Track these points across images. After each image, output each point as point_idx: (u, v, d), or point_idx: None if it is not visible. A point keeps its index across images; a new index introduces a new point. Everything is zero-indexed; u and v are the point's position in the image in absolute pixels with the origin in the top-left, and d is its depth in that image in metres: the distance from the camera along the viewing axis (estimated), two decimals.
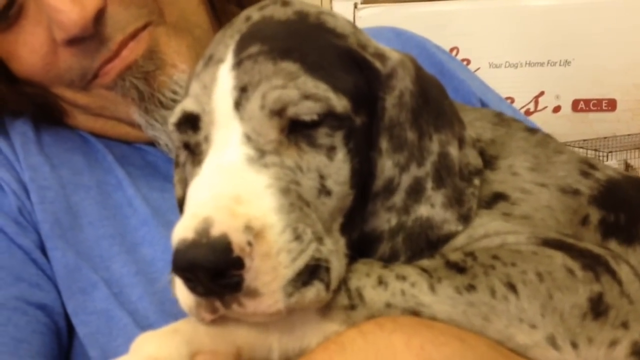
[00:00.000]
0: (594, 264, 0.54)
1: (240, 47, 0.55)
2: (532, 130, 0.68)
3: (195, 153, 0.56)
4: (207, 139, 0.54)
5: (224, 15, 0.86)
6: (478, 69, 1.61)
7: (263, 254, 0.48)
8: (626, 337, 0.51)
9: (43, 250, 0.71)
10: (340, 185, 0.55)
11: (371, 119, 0.57)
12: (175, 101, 0.77)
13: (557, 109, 1.76)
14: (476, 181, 0.60)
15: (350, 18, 0.93)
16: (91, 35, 0.74)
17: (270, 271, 0.48)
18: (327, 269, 0.51)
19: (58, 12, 0.72)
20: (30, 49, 0.76)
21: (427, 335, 0.50)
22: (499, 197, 0.60)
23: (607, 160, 1.56)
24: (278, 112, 0.53)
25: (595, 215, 0.61)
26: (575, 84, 1.76)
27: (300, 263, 0.49)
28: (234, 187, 0.50)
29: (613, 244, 0.60)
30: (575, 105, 1.76)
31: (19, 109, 0.80)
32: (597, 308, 0.52)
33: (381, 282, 0.54)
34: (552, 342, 0.51)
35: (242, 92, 0.53)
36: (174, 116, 0.56)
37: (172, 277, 0.66)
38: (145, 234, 0.75)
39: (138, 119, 0.78)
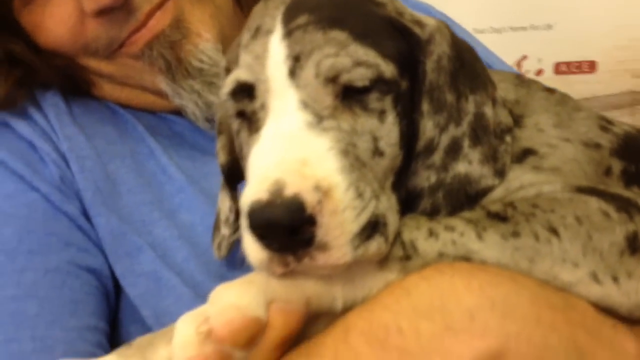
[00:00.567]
0: (626, 206, 0.58)
1: (288, 18, 0.58)
2: (550, 90, 0.73)
3: (251, 121, 0.59)
4: (263, 106, 0.58)
5: None
6: None
7: (331, 211, 0.52)
8: None
9: (87, 217, 0.74)
10: (391, 146, 0.59)
11: (413, 83, 0.61)
12: (201, 70, 0.79)
13: (539, 72, 1.81)
14: (508, 138, 0.64)
15: None
16: (120, 5, 0.76)
17: (338, 226, 0.52)
18: (385, 224, 0.55)
19: None
20: (58, 20, 0.78)
21: (484, 277, 0.54)
22: (528, 152, 0.64)
23: None
24: (332, 79, 0.56)
25: (617, 166, 0.65)
26: (557, 47, 1.80)
27: (364, 219, 0.53)
28: (299, 151, 0.53)
29: (636, 192, 0.65)
30: (557, 68, 1.80)
31: (48, 80, 0.82)
32: (634, 245, 0.56)
33: (432, 233, 0.58)
34: (595, 277, 0.56)
35: (296, 61, 0.56)
36: (226, 86, 0.59)
37: (221, 238, 0.71)
38: (182, 201, 0.78)
39: (165, 87, 0.81)
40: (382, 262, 0.57)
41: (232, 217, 0.70)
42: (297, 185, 0.51)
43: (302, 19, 0.57)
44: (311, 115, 0.55)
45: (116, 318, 0.73)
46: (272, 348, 0.53)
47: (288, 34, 0.57)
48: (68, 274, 0.69)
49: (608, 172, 0.65)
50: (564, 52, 1.79)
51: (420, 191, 0.61)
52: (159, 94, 0.82)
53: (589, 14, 1.81)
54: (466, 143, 0.62)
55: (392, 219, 0.56)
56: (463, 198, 0.61)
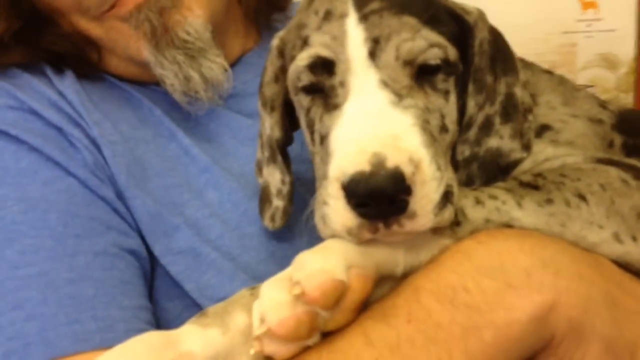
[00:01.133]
0: None
1: (360, 4, 0.63)
2: (549, 72, 0.80)
3: (328, 96, 0.63)
4: (342, 84, 0.62)
5: None
6: None
7: (421, 182, 0.57)
8: None
9: (122, 200, 0.75)
10: (453, 123, 0.65)
11: (463, 65, 0.67)
12: (186, 42, 0.81)
13: None
14: (530, 116, 0.71)
15: None
16: None
17: (425, 196, 0.57)
18: (452, 194, 0.61)
19: None
20: None
21: (532, 240, 0.61)
22: (545, 128, 0.71)
23: None
24: (410, 62, 0.61)
25: (618, 139, 0.74)
26: None
27: (442, 189, 0.59)
28: (390, 127, 0.58)
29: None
30: None
31: (62, 51, 0.82)
32: None
33: (478, 201, 0.64)
34: (617, 238, 0.63)
35: (375, 43, 0.61)
36: (304, 60, 0.63)
37: (274, 210, 0.73)
38: (207, 180, 0.80)
39: (147, 55, 0.81)
40: (436, 229, 0.62)
41: (285, 189, 0.74)
42: (396, 158, 0.56)
43: (374, 5, 0.62)
44: (392, 94, 0.60)
45: (151, 297, 0.74)
46: (351, 309, 0.58)
47: (364, 17, 0.62)
48: (114, 256, 0.70)
49: (611, 144, 0.74)
50: None
51: (455, 163, 0.67)
52: (143, 65, 0.82)
53: (507, 10, 1.93)
54: (497, 120, 0.68)
55: (456, 189, 0.62)
56: (496, 170, 0.68)
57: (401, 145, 0.57)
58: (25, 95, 0.77)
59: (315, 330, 0.57)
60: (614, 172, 0.66)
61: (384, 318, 0.58)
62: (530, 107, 0.71)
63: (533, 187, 0.65)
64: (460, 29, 0.67)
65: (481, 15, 0.68)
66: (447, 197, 0.59)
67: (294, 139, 0.78)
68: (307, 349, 0.57)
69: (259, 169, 0.78)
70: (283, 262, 0.61)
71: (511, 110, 0.69)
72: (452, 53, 0.64)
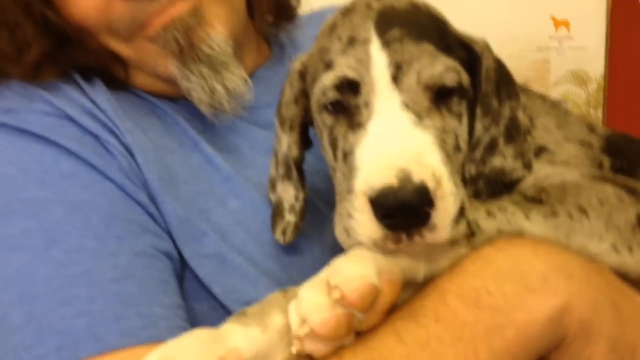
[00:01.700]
0: (634, 191, 0.74)
1: (382, 31, 0.68)
2: (542, 96, 0.87)
3: (352, 115, 0.68)
4: (367, 104, 0.67)
5: None
6: None
7: (441, 197, 0.63)
8: None
9: (155, 205, 0.79)
10: (465, 143, 0.71)
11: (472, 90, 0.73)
12: (210, 57, 0.86)
13: None
14: (529, 138, 0.77)
15: None
16: None
17: (445, 210, 0.63)
18: (465, 209, 0.66)
19: None
20: None
21: (544, 248, 0.67)
22: (542, 149, 0.78)
23: None
24: (429, 86, 0.67)
25: (606, 161, 0.81)
26: None
27: (458, 204, 0.64)
28: (413, 145, 0.64)
29: None
30: None
31: (94, 64, 0.86)
32: None
33: (489, 214, 0.70)
34: (615, 248, 0.70)
35: (398, 67, 0.67)
36: (330, 79, 0.68)
37: (286, 225, 0.79)
38: (229, 189, 0.85)
39: (175, 70, 0.86)
40: (453, 240, 0.68)
41: (298, 205, 0.80)
42: (421, 173, 0.61)
43: (395, 32, 0.68)
44: (413, 115, 0.66)
45: None
46: (383, 310, 0.63)
47: (386, 44, 0.67)
48: (152, 257, 0.75)
49: (600, 166, 0.81)
50: None
51: (462, 180, 0.73)
52: (169, 81, 0.87)
53: (484, 26, 2.01)
54: (501, 141, 0.75)
55: (467, 204, 0.68)
56: (500, 186, 0.74)
57: (424, 162, 0.63)
58: (61, 102, 0.80)
59: (352, 330, 0.62)
60: (609, 189, 0.73)
61: (413, 318, 0.64)
62: (529, 129, 0.77)
63: (538, 201, 0.71)
64: (469, 57, 0.73)
65: (487, 45, 0.75)
66: (461, 211, 0.65)
67: (306, 158, 0.83)
68: (342, 348, 0.63)
69: (272, 186, 0.83)
70: (302, 269, 0.67)
71: (514, 132, 0.75)
72: (465, 78, 0.70)
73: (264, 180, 0.86)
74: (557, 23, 1.95)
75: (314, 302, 0.61)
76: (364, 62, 0.67)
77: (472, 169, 0.74)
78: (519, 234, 0.69)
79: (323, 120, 0.72)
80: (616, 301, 0.67)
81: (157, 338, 0.65)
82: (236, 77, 0.87)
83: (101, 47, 0.86)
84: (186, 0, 0.84)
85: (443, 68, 0.68)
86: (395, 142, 0.64)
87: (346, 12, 0.73)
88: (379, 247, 0.64)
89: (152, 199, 0.79)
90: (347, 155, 0.68)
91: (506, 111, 0.75)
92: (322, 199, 0.86)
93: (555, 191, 0.72)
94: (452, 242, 0.67)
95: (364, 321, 0.63)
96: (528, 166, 0.76)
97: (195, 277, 0.79)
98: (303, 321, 0.61)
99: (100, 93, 0.84)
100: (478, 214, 0.70)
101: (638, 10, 1.95)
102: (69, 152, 0.77)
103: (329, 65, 0.70)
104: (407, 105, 0.66)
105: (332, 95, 0.69)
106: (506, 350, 0.61)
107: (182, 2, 0.84)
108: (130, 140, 0.80)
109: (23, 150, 0.77)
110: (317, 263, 0.67)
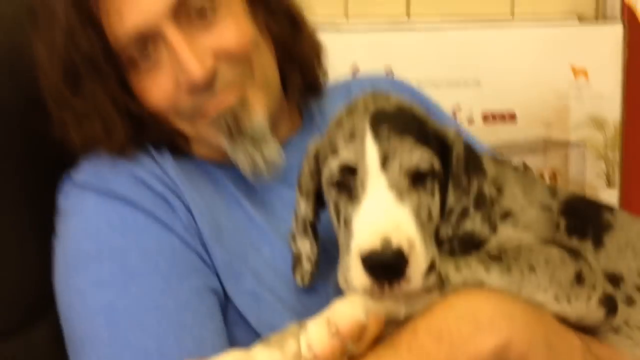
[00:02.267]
0: (574, 253, 0.93)
1: (375, 128, 0.88)
2: (516, 168, 1.08)
3: (351, 190, 0.88)
4: (362, 184, 0.87)
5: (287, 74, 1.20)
6: None
7: (414, 256, 0.83)
8: (595, 294, 0.92)
9: (205, 251, 1.03)
10: (437, 214, 0.91)
11: (444, 170, 0.93)
12: (252, 134, 1.08)
13: (471, 121, 2.07)
14: (496, 206, 0.98)
15: None
16: (206, 87, 1.05)
17: (417, 266, 0.83)
18: (434, 264, 0.82)
19: (187, 71, 1.02)
20: (162, 88, 1.05)
21: (495, 296, 0.86)
22: (508, 214, 0.97)
23: None
24: (409, 171, 0.87)
25: (562, 222, 1.00)
26: (484, 100, 2.08)
27: (428, 261, 0.84)
28: (394, 217, 0.84)
29: (574, 241, 1.00)
30: (485, 117, 2.06)
31: (154, 138, 1.09)
32: (579, 278, 0.86)
33: (457, 268, 0.90)
34: (556, 299, 0.86)
35: (385, 157, 0.86)
36: (336, 164, 0.88)
37: (304, 272, 1.02)
38: (264, 239, 1.08)
39: (225, 145, 1.09)
40: (426, 288, 0.89)
41: (313, 257, 1.02)
42: (399, 240, 0.81)
43: (384, 129, 0.87)
44: (396, 193, 0.86)
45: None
46: (368, 342, 0.84)
47: (377, 138, 0.87)
48: (204, 292, 0.98)
49: (557, 226, 1.01)
50: (489, 104, 2.08)
51: (441, 240, 0.94)
52: (220, 152, 1.11)
53: (509, 74, 2.17)
54: (471, 209, 0.95)
55: (437, 261, 0.89)
56: (470, 245, 0.94)
57: (402, 231, 0.80)
58: (139, 170, 1.05)
59: (345, 356, 0.84)
60: (555, 251, 0.93)
61: (392, 348, 0.85)
62: (494, 198, 0.97)
63: (498, 258, 0.91)
64: (441, 145, 0.90)
65: (457, 134, 0.94)
66: (432, 266, 0.82)
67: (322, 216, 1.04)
68: None
69: (293, 238, 1.00)
70: (318, 305, 0.87)
71: (481, 202, 0.94)
72: (437, 163, 0.86)
73: None
74: (576, 72, 2.12)
75: (317, 334, 0.83)
76: (360, 152, 0.87)
77: (448, 231, 0.94)
78: (480, 285, 0.89)
79: (330, 194, 0.93)
80: (550, 340, 0.87)
81: (204, 355, 0.89)
82: (272, 148, 1.10)
83: (169, 126, 1.11)
84: (235, 91, 1.08)
85: (419, 157, 0.85)
86: (381, 215, 0.84)
87: (349, 112, 0.93)
88: (369, 294, 0.85)
89: (204, 246, 1.03)
90: (347, 222, 0.89)
91: (474, 186, 0.95)
92: (336, 248, 1.08)
93: (512, 252, 0.92)
94: (427, 290, 0.88)
95: (354, 349, 0.84)
96: (494, 228, 0.95)
97: (236, 309, 1.02)
98: (309, 347, 0.83)
99: (168, 162, 1.08)
100: (449, 267, 0.89)
101: None
102: (144, 210, 1.02)
103: (335, 151, 0.88)
104: (391, 186, 0.83)
105: (337, 175, 0.87)
106: None
107: (231, 95, 1.07)
108: (189, 200, 1.04)
109: (109, 207, 1.02)
110: (330, 300, 0.83)
